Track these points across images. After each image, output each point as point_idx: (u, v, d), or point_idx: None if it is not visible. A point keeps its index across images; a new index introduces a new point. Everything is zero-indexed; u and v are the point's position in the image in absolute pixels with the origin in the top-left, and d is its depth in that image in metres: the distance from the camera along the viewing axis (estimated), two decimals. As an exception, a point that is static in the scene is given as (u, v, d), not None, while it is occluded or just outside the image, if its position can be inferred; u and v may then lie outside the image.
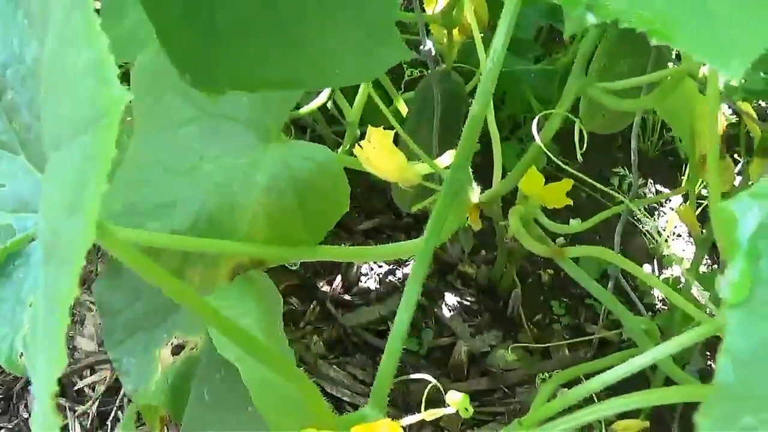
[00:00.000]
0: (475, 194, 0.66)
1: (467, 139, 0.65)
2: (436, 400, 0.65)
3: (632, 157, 0.99)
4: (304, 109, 1.27)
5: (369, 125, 0.74)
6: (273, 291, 0.86)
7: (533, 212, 0.95)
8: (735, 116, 1.60)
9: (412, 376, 0.98)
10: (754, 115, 1.18)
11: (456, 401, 0.56)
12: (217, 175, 0.69)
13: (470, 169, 0.77)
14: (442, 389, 0.68)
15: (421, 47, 0.91)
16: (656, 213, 1.71)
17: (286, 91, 0.69)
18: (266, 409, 0.58)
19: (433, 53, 0.91)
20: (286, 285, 1.34)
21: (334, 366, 1.20)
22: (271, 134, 0.70)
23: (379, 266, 1.36)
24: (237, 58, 0.46)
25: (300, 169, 0.66)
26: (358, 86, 1.26)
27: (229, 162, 0.70)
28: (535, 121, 0.82)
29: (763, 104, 1.61)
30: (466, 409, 0.55)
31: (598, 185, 1.00)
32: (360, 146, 0.70)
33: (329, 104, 1.36)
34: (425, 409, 0.64)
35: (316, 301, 1.31)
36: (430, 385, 0.64)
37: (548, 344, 1.27)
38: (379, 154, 0.69)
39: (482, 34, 1.43)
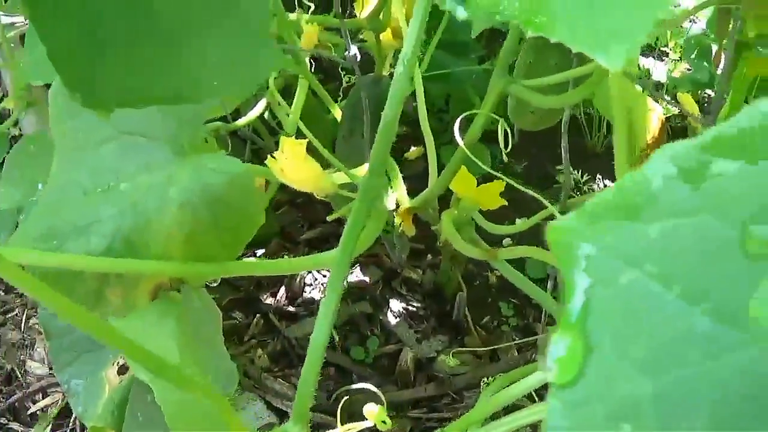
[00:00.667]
0: (390, 201, 0.65)
1: (380, 144, 0.65)
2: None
3: (563, 155, 0.99)
4: (241, 121, 1.26)
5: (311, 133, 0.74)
6: (210, 307, 0.85)
7: (469, 215, 0.95)
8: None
9: (354, 386, 0.97)
10: (696, 108, 1.19)
11: (372, 413, 0.55)
12: (133, 194, 0.68)
13: (399, 174, 0.76)
14: (383, 398, 0.67)
15: (346, 53, 0.90)
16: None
17: (198, 105, 0.68)
18: (180, 429, 0.57)
19: (358, 59, 0.90)
20: (229, 299, 1.32)
21: (279, 379, 1.19)
22: (186, 149, 0.69)
23: (323, 275, 1.35)
24: (122, 75, 0.45)
25: (212, 183, 0.65)
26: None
27: (144, 180, 0.69)
28: (457, 123, 0.81)
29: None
30: (384, 422, 0.54)
31: (524, 188, 0.99)
32: (273, 157, 0.69)
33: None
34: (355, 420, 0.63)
35: (259, 314, 1.30)
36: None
37: (495, 347, 1.27)
38: (293, 165, 0.68)
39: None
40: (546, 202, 0.90)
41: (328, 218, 0.79)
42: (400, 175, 0.94)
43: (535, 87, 0.85)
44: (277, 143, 1.49)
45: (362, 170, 0.72)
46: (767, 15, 0.69)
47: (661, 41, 1.55)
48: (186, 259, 0.67)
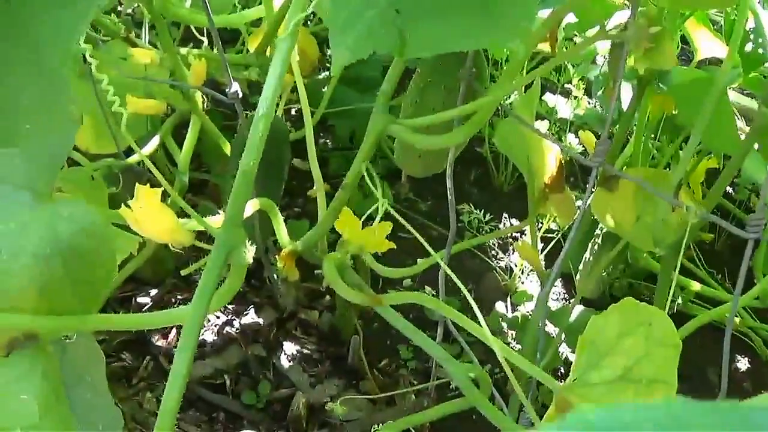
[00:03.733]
0: (249, 254, 0.63)
1: (238, 195, 0.64)
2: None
3: (449, 197, 0.99)
4: (133, 158, 1.23)
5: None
6: (93, 351, 0.81)
7: (360, 256, 0.94)
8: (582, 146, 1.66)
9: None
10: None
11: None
12: (-14, 243, 0.65)
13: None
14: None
15: (228, 90, 0.89)
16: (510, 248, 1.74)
17: (55, 151, 0.66)
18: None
19: (240, 95, 0.89)
20: (119, 340, 1.28)
21: (165, 425, 1.14)
22: (43, 195, 0.66)
23: (217, 317, 1.32)
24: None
25: (65, 232, 0.62)
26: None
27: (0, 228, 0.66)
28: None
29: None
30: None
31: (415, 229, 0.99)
32: (128, 206, 0.66)
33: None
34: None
35: (149, 356, 1.26)
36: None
37: (390, 393, 1.26)
38: (148, 215, 0.65)
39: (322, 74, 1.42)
40: (430, 249, 0.90)
41: (182, 273, 0.77)
42: (280, 218, 0.92)
43: (419, 127, 0.82)
44: (170, 181, 1.47)
45: (219, 220, 0.70)
46: (655, 50, 0.71)
47: (564, 77, 1.59)
48: (42, 312, 0.64)
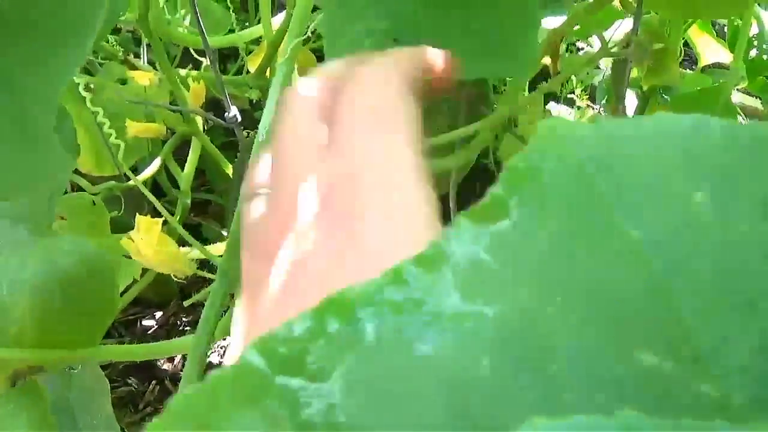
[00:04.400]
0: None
1: (238, 224, 0.63)
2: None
3: (452, 218, 0.99)
4: (133, 181, 1.22)
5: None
6: (98, 378, 0.81)
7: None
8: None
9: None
10: None
11: None
12: (-13, 277, 0.65)
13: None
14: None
15: (226, 114, 0.88)
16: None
17: (54, 186, 0.65)
18: None
19: (239, 120, 0.88)
20: (124, 365, 1.27)
21: (172, 450, 1.13)
22: (40, 229, 0.66)
23: (223, 339, 1.31)
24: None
25: (65, 265, 0.62)
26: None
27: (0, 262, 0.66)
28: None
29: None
30: None
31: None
32: (131, 238, 0.66)
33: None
34: None
35: (155, 380, 1.25)
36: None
37: None
38: (149, 245, 0.65)
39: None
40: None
41: (185, 304, 0.76)
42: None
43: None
44: (173, 202, 1.46)
45: (221, 249, 0.70)
46: (658, 67, 0.70)
47: (567, 88, 1.58)
48: (45, 345, 0.64)
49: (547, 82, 1.29)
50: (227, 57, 1.76)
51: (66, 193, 1.24)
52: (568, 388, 0.18)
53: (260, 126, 0.64)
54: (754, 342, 0.19)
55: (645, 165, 0.20)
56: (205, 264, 0.77)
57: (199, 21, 0.87)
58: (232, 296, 0.66)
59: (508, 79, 1.45)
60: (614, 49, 0.60)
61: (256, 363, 0.20)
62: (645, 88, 0.69)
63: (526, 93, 1.05)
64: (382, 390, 0.19)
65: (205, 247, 0.78)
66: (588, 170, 0.20)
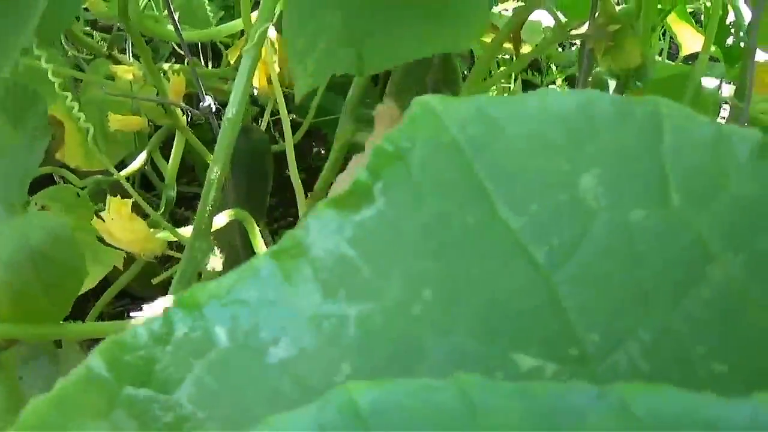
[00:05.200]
0: (217, 262, 0.62)
1: (205, 204, 0.62)
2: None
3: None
4: (123, 173, 1.21)
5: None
6: (81, 358, 0.81)
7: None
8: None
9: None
10: None
11: None
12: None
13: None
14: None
15: (201, 104, 0.87)
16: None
17: (28, 167, 0.66)
18: None
19: (213, 109, 0.86)
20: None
21: None
22: (15, 208, 0.66)
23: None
24: None
25: (37, 240, 0.62)
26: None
27: (-26, 241, 0.66)
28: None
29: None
30: None
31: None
32: (101, 218, 0.66)
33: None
34: None
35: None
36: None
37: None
38: (119, 225, 0.64)
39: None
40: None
41: (153, 281, 0.75)
42: (256, 229, 0.90)
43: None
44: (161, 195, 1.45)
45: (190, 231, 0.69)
46: (617, 48, 0.68)
47: (548, 78, 1.54)
48: (15, 319, 0.65)
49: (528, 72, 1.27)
50: (217, 55, 1.74)
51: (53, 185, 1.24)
52: (437, 394, 0.17)
53: (228, 106, 0.64)
54: (647, 338, 0.17)
55: (528, 146, 0.18)
56: (181, 248, 0.76)
57: (172, 15, 0.85)
58: (200, 276, 0.65)
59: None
60: (572, 32, 0.57)
61: (102, 373, 0.18)
62: (604, 69, 0.67)
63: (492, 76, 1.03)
64: (236, 400, 0.17)
65: (177, 229, 0.77)
66: (465, 152, 0.18)
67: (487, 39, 0.90)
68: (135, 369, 0.17)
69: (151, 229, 0.72)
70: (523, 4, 0.56)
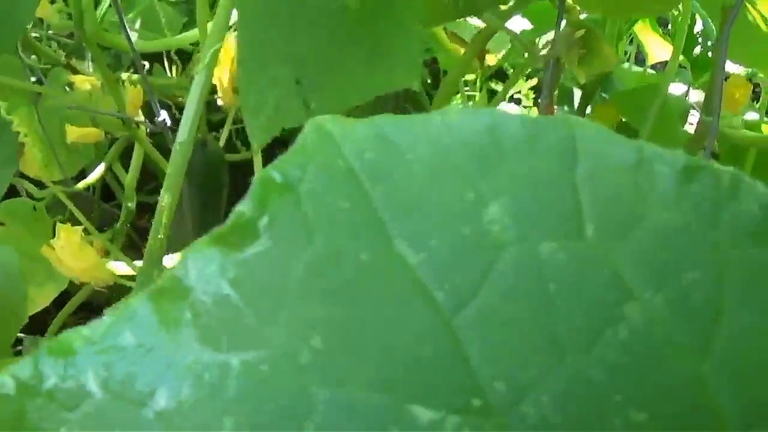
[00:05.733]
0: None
1: (156, 232, 0.59)
2: None
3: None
4: (80, 185, 1.19)
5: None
6: None
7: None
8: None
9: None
10: None
11: None
12: None
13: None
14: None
15: (156, 118, 0.85)
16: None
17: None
18: None
19: (168, 124, 0.84)
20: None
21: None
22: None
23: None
24: None
25: None
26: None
27: None
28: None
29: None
30: None
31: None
32: (51, 246, 0.63)
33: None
34: None
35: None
36: None
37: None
38: (69, 253, 0.62)
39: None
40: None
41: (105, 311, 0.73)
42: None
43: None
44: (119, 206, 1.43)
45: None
46: (591, 53, 0.67)
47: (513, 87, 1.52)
48: None
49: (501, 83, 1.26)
50: (189, 55, 1.72)
51: (16, 196, 1.21)
52: (326, 451, 0.15)
53: (180, 127, 0.62)
54: (558, 387, 0.15)
55: (429, 174, 0.16)
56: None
57: (124, 26, 0.83)
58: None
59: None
60: (543, 52, 0.56)
61: None
62: (582, 81, 0.66)
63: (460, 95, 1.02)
64: (110, 458, 0.16)
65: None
66: (362, 181, 0.16)
67: (453, 49, 0.89)
68: (7, 423, 0.16)
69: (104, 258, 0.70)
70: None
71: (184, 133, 0.63)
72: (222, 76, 1.07)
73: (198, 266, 0.16)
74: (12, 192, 1.23)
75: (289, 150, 0.16)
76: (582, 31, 0.51)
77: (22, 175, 1.22)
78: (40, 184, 1.20)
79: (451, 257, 0.15)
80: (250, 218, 0.16)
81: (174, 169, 0.61)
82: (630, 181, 0.16)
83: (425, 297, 0.15)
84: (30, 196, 1.20)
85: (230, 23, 0.66)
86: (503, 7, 0.55)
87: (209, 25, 0.72)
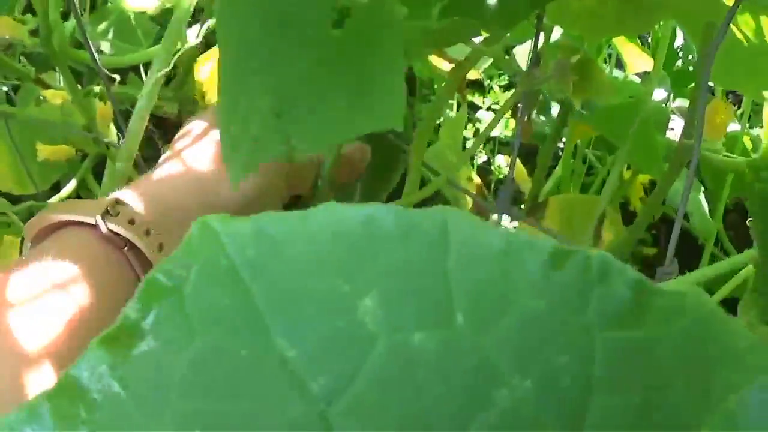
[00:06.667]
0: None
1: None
2: None
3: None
4: (53, 199, 1.19)
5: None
6: None
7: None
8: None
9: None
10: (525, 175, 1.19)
11: None
12: None
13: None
14: None
15: (125, 132, 0.85)
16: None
17: None
18: None
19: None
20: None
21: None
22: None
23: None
24: None
25: None
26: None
27: None
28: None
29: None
30: None
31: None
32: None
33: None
34: None
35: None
36: None
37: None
38: None
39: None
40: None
41: None
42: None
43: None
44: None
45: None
46: (585, 80, 0.68)
47: (492, 97, 1.53)
48: None
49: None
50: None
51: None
52: None
53: (122, 144, 0.64)
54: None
55: (307, 269, 0.17)
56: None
57: (88, 43, 0.84)
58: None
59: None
60: (534, 82, 0.56)
61: None
62: (578, 107, 0.66)
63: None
64: None
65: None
66: (243, 277, 0.17)
67: (436, 62, 0.89)
68: None
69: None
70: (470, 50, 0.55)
71: (122, 156, 0.64)
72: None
73: (91, 366, 0.17)
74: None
75: (177, 249, 0.17)
76: (576, 58, 0.52)
77: (-6, 190, 1.22)
78: (14, 199, 1.20)
79: (326, 349, 0.16)
80: (136, 319, 0.16)
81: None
82: (499, 269, 0.17)
83: (301, 389, 0.16)
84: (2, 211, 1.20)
85: (179, 47, 0.67)
86: (486, 34, 0.55)
87: (157, 48, 0.73)
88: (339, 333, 0.16)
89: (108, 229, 0.49)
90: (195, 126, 0.62)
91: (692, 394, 0.18)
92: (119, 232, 0.49)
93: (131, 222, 0.50)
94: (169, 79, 1.30)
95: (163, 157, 0.60)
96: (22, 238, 1.08)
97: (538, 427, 0.17)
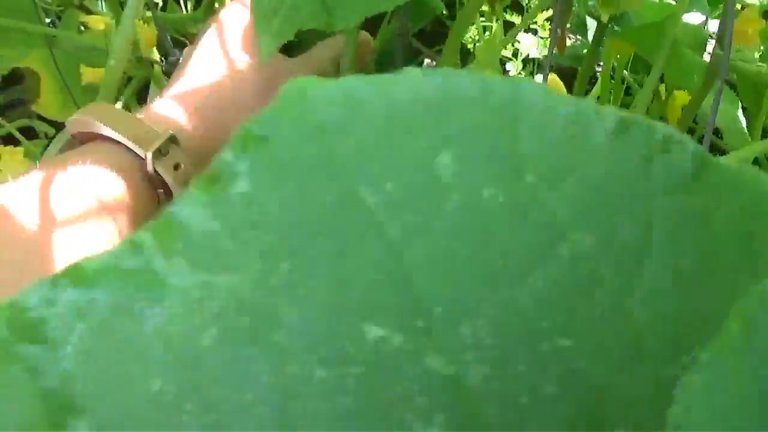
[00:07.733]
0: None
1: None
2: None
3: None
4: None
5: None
6: None
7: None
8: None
9: None
10: (563, 89, 1.18)
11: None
12: None
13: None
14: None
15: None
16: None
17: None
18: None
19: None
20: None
21: None
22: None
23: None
24: None
25: None
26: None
27: None
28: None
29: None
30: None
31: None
32: None
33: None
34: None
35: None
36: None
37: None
38: (12, 172, 0.65)
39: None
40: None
41: None
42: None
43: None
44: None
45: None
46: None
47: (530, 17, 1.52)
48: None
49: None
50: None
51: (36, 138, 1.24)
52: (292, 360, 0.18)
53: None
54: (491, 313, 0.18)
55: (389, 128, 0.18)
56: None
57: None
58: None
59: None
60: None
61: (1, 331, 0.19)
62: (605, 19, 0.66)
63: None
64: (114, 362, 0.18)
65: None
66: (328, 134, 0.18)
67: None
68: (28, 328, 0.18)
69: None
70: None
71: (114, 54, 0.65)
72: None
73: (188, 204, 0.18)
74: (31, 134, 1.26)
75: (268, 105, 0.18)
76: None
77: (40, 117, 1.24)
78: (58, 125, 1.23)
79: (405, 199, 0.18)
80: (232, 162, 0.18)
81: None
82: (567, 134, 0.18)
83: (380, 232, 0.18)
84: (48, 137, 1.22)
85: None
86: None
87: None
88: (417, 185, 0.18)
89: (153, 168, 0.50)
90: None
91: (742, 266, 0.19)
92: (162, 176, 0.50)
93: (176, 168, 0.51)
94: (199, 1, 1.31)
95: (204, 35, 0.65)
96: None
97: (595, 280, 0.18)
